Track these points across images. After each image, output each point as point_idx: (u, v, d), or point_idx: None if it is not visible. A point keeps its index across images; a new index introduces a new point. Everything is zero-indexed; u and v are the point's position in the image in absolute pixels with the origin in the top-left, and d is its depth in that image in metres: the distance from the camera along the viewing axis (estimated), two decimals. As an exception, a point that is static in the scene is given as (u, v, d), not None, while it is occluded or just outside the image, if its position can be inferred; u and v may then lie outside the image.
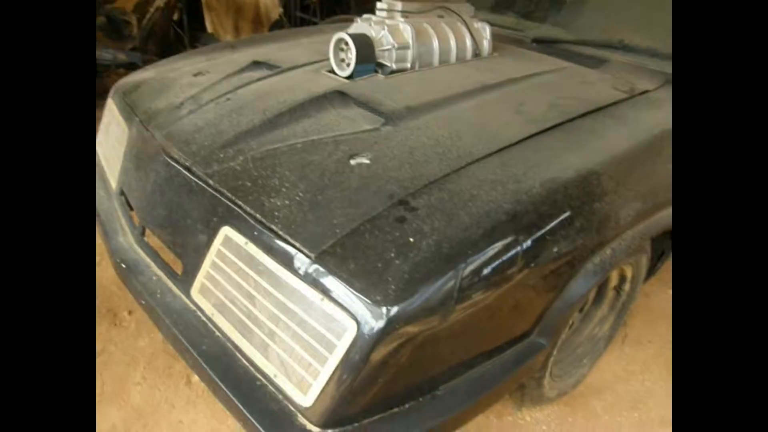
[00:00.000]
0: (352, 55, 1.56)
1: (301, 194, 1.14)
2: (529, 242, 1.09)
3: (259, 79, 1.65)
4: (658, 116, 1.60)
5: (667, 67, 1.97)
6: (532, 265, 1.11)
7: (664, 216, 1.52)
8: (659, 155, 1.49)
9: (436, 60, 1.75)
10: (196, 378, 1.73)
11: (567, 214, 1.17)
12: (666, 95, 1.76)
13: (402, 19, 1.69)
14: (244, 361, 1.12)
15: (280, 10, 4.52)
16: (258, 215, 1.12)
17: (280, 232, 1.07)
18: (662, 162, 1.49)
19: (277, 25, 4.55)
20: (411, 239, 1.01)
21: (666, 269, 2.55)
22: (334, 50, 1.63)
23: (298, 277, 1.03)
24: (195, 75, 1.77)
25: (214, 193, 1.22)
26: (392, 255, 0.99)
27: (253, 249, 1.11)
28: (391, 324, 0.93)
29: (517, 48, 2.08)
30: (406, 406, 1.08)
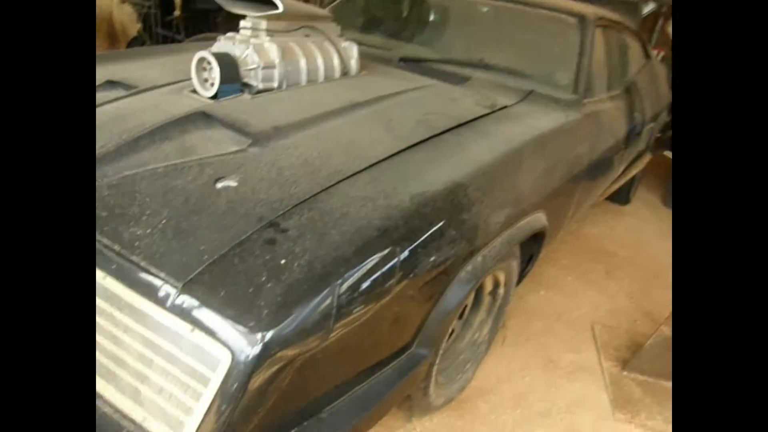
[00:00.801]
0: (215, 74, 1.51)
1: (164, 221, 1.07)
2: (406, 253, 1.11)
3: (114, 100, 1.53)
4: (517, 129, 1.71)
5: (525, 84, 2.12)
6: (411, 275, 1.13)
7: (530, 221, 1.63)
8: (521, 165, 1.59)
9: (303, 79, 1.74)
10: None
11: (438, 225, 1.21)
12: (524, 110, 1.89)
13: (267, 38, 1.66)
14: (109, 409, 1.02)
15: (139, 25, 4.29)
16: (116, 247, 1.03)
17: (142, 263, 0.99)
18: (524, 171, 1.59)
19: (136, 42, 4.31)
20: (282, 261, 0.99)
21: (537, 270, 2.73)
22: (196, 69, 1.57)
23: (165, 310, 0.96)
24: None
25: None
26: (264, 279, 0.96)
27: (112, 284, 1.02)
28: (268, 350, 0.90)
29: (385, 67, 2.13)
30: (291, 432, 1.05)
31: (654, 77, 3.44)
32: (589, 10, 2.43)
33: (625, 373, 2.15)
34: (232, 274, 0.96)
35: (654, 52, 4.13)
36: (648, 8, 6.58)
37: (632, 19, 3.45)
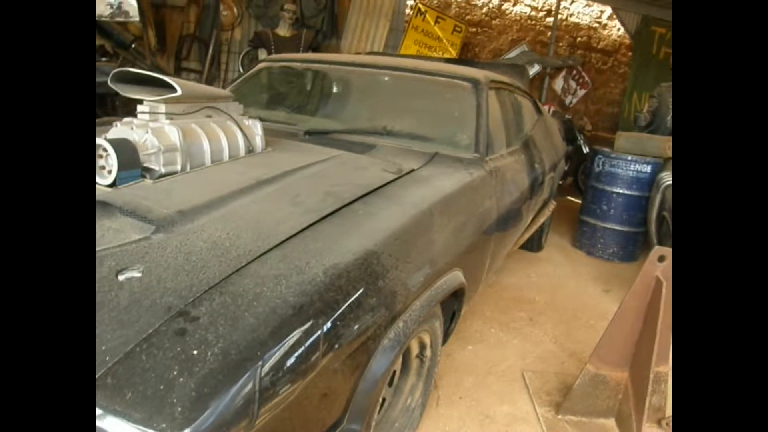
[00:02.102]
0: (113, 161, 1.45)
1: (60, 324, 0.99)
2: (329, 324, 1.09)
3: None
4: (425, 191, 1.76)
5: (429, 148, 2.20)
6: (336, 347, 1.11)
7: (448, 280, 1.65)
8: (432, 226, 1.62)
9: (208, 160, 1.72)
10: None
11: (355, 296, 1.20)
12: (430, 172, 1.95)
13: (167, 122, 1.63)
14: None
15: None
16: None
17: None
18: (436, 231, 1.63)
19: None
20: (195, 352, 0.94)
21: (461, 326, 2.76)
22: (93, 158, 1.51)
23: (65, 424, 0.87)
24: None
25: None
26: (175, 373, 0.90)
27: None
28: None
29: (291, 141, 2.15)
30: None
31: (548, 130, 3.69)
32: (481, 74, 2.60)
33: (559, 416, 2.18)
34: (139, 372, 0.90)
35: (545, 108, 4.46)
36: (534, 70, 7.17)
37: (521, 80, 3.72)
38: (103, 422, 0.85)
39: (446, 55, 6.74)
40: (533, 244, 4.05)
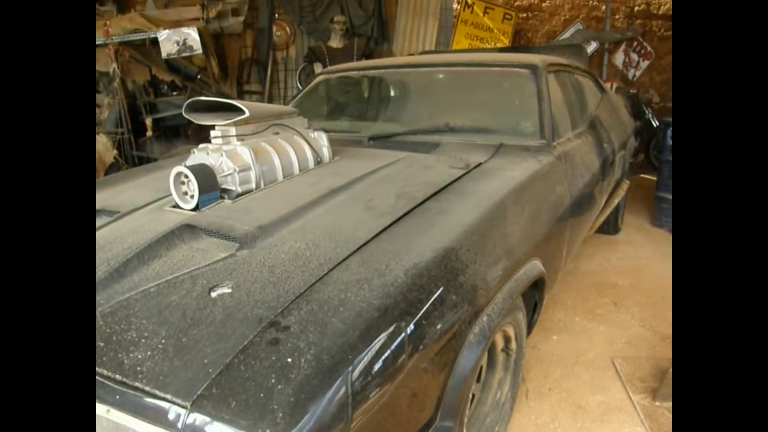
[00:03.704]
0: (194, 186, 1.54)
1: (163, 341, 1.06)
2: (412, 326, 1.10)
3: (98, 228, 1.55)
4: (495, 183, 1.74)
5: (493, 139, 2.18)
6: (420, 348, 1.12)
7: (527, 270, 1.63)
8: (506, 217, 1.61)
9: (280, 175, 1.78)
10: None
11: (437, 293, 1.20)
12: (498, 164, 1.94)
13: (238, 143, 1.71)
14: None
15: (114, 152, 4.40)
16: (117, 376, 1.01)
17: (147, 388, 0.97)
18: (511, 223, 1.61)
19: (113, 168, 4.40)
20: (289, 360, 0.97)
21: (544, 317, 2.71)
22: (174, 184, 1.60)
23: (177, 433, 0.93)
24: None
25: None
26: (273, 381, 0.94)
27: (117, 416, 0.99)
28: None
29: (356, 148, 2.19)
30: None
31: (613, 108, 3.56)
32: (538, 59, 2.55)
33: (657, 403, 2.09)
34: (240, 382, 0.94)
35: (607, 85, 4.31)
36: (592, 47, 6.93)
37: (580, 59, 3.61)
38: (212, 429, 0.90)
39: (499, 45, 6.64)
40: (610, 227, 3.91)
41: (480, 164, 1.91)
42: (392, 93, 2.89)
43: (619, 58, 7.67)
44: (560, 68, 2.76)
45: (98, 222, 1.61)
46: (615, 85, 6.22)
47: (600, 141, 2.76)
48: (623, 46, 7.63)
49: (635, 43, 7.65)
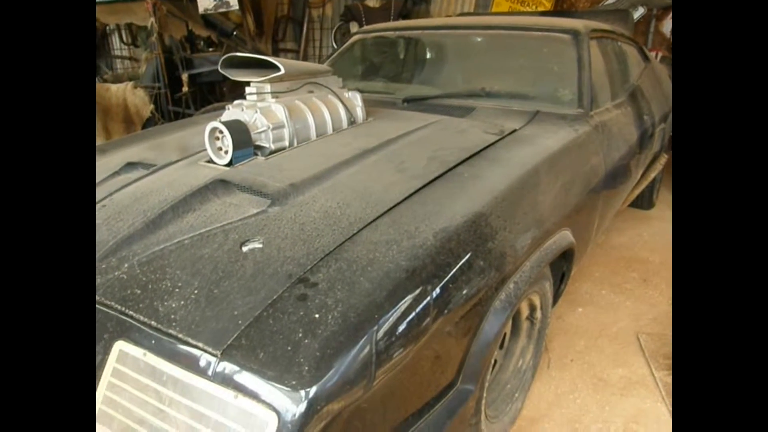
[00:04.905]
0: (228, 141, 1.55)
1: (196, 291, 1.09)
2: (438, 290, 1.11)
3: (135, 180, 1.59)
4: (529, 151, 1.72)
5: (529, 106, 2.14)
6: (445, 312, 1.13)
7: (557, 240, 1.61)
8: (538, 186, 1.59)
9: (313, 134, 1.78)
10: None
11: (465, 258, 1.21)
12: (533, 131, 1.90)
13: (273, 100, 1.71)
14: None
15: (151, 106, 4.47)
16: (153, 322, 1.05)
17: (180, 335, 1.01)
18: (543, 191, 1.59)
19: (150, 123, 4.47)
20: (316, 315, 1.00)
21: (571, 288, 2.69)
22: (209, 140, 1.62)
23: (207, 379, 0.97)
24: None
25: (100, 307, 1.14)
26: (300, 335, 0.96)
27: (153, 359, 1.03)
28: (313, 406, 0.89)
29: (390, 110, 2.17)
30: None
31: (657, 78, 3.44)
32: (581, 24, 2.47)
33: (680, 381, 2.08)
34: (268, 334, 0.97)
35: (652, 54, 4.15)
36: (639, 13, 6.64)
37: (625, 26, 3.47)
38: (240, 377, 0.93)
39: (540, 9, 6.42)
40: (644, 202, 3.82)
41: (515, 131, 1.88)
42: (428, 55, 2.84)
43: (667, 25, 7.33)
44: (603, 35, 2.66)
45: (135, 174, 1.65)
46: (660, 55, 5.99)
47: (640, 112, 2.68)
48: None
49: (685, 11, 7.31)
